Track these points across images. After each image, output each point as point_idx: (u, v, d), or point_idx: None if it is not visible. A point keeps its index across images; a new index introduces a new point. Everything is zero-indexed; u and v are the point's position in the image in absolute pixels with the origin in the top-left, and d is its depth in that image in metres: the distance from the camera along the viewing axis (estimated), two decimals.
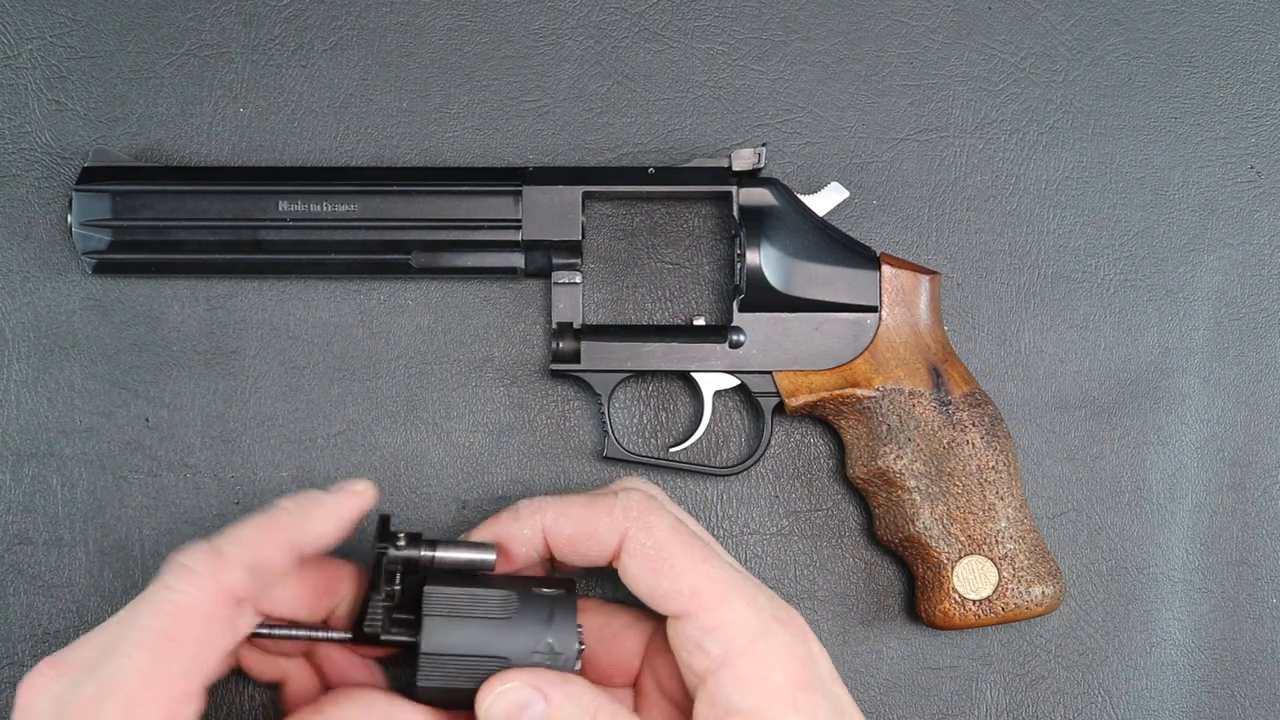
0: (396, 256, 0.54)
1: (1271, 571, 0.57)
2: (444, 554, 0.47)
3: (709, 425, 0.56)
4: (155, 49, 0.58)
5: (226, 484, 0.56)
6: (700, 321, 0.56)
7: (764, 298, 0.54)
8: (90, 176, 0.54)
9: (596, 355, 0.54)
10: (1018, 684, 0.56)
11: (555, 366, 0.54)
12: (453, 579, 0.47)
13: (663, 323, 0.57)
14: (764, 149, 0.54)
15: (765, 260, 0.53)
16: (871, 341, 0.54)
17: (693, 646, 0.45)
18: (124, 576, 0.56)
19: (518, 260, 0.55)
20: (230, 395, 0.56)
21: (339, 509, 0.46)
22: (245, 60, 0.58)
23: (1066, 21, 0.58)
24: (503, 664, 0.46)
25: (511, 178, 0.54)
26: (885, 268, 0.54)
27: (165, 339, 0.56)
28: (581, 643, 0.47)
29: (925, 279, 0.54)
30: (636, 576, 0.46)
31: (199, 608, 0.43)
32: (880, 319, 0.54)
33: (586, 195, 0.54)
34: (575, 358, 0.54)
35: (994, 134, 0.58)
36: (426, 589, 0.46)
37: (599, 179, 0.55)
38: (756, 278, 0.53)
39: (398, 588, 0.47)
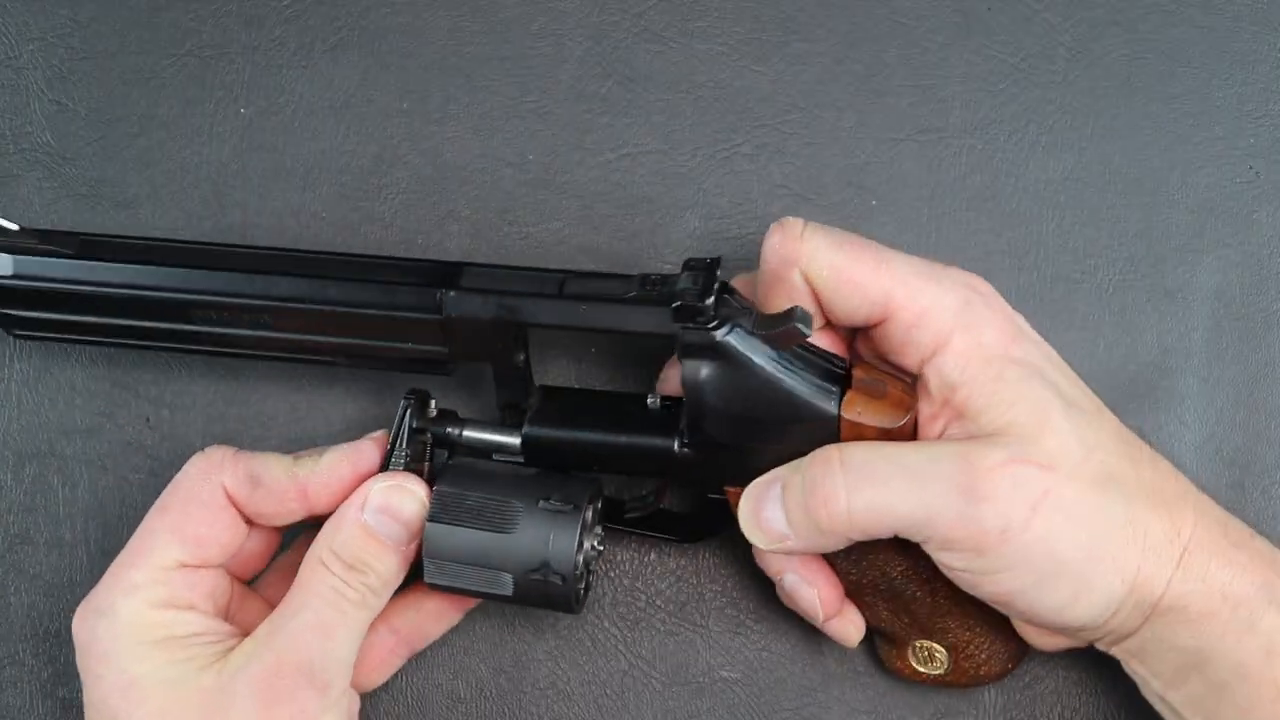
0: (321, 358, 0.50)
1: None
2: (471, 433, 0.49)
3: None
4: (156, 49, 0.58)
5: None
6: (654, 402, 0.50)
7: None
8: None
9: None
10: (1015, 684, 0.56)
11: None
12: (470, 469, 0.48)
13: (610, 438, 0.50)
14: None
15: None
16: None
17: (901, 345, 0.46)
18: None
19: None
20: (230, 395, 0.56)
21: (352, 458, 0.48)
22: (246, 61, 0.58)
23: (1066, 21, 0.58)
24: (498, 576, 0.46)
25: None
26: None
27: None
28: (597, 548, 0.48)
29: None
30: (831, 301, 0.47)
31: (187, 483, 0.48)
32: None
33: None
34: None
35: (994, 134, 0.58)
36: (436, 488, 0.47)
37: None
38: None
39: (428, 463, 0.49)
